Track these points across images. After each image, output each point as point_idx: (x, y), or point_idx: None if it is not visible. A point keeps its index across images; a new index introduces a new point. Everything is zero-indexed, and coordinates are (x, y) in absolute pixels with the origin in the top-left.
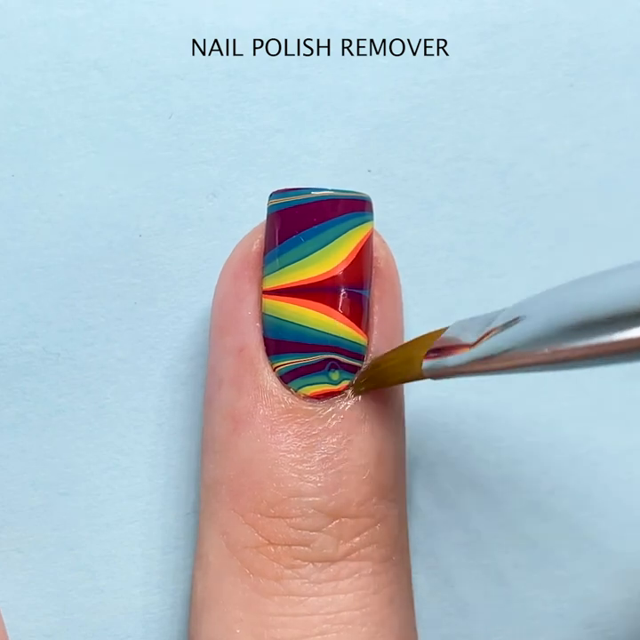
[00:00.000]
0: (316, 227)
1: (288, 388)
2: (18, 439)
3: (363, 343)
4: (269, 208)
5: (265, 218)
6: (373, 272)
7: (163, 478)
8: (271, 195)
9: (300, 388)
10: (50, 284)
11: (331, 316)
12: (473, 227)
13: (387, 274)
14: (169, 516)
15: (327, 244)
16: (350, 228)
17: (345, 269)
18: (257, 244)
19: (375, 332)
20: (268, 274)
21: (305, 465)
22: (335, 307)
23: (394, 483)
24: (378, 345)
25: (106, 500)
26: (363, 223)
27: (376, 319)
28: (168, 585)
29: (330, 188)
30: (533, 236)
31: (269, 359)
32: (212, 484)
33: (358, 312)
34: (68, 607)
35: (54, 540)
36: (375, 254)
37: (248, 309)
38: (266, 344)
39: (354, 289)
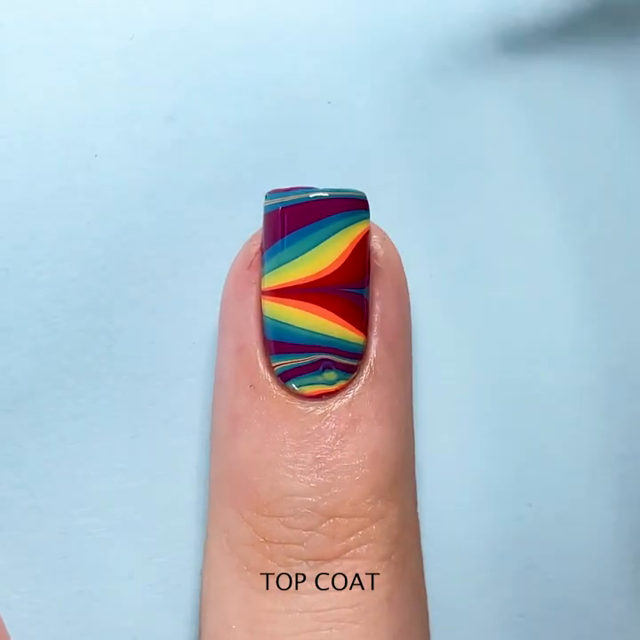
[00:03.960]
0: (309, 226)
1: (285, 388)
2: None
3: (359, 342)
4: (265, 208)
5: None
6: (374, 270)
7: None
8: (267, 195)
9: (297, 387)
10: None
11: (323, 317)
12: (431, 163)
13: (388, 272)
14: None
15: (320, 243)
16: (344, 227)
17: (338, 269)
18: (258, 244)
19: (374, 331)
20: (265, 274)
21: (298, 465)
22: (328, 307)
23: (392, 482)
24: (376, 343)
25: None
26: (357, 222)
27: (375, 318)
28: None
29: (326, 188)
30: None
31: (270, 359)
32: (216, 482)
33: (354, 311)
34: None
35: None
36: (374, 252)
37: (247, 309)
38: (265, 344)
39: (349, 288)
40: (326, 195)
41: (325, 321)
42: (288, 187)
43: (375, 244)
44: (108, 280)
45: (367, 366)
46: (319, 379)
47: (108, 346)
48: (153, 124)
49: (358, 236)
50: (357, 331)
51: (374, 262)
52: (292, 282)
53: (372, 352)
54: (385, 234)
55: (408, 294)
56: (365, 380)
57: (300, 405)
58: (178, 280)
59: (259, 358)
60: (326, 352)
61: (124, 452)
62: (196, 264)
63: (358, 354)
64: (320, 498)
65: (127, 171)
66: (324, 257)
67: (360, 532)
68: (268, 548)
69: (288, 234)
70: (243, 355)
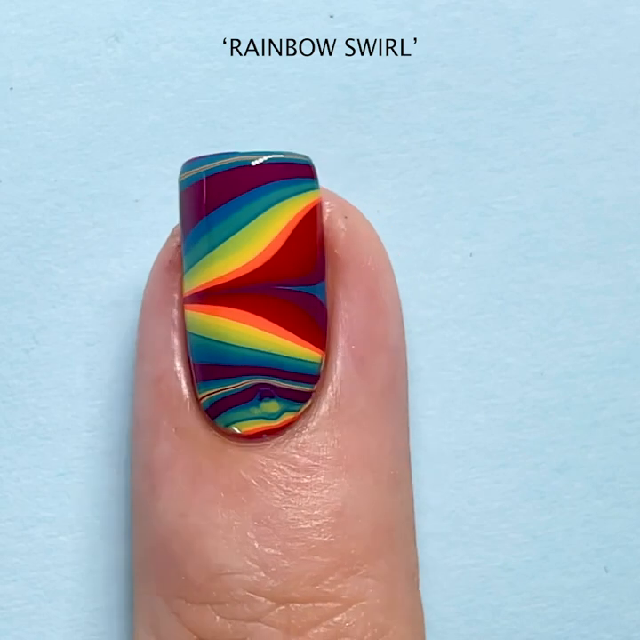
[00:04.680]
0: (232, 201)
1: (215, 428)
2: None
3: (313, 360)
4: (181, 184)
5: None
6: (335, 262)
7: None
8: (183, 166)
9: (228, 424)
10: None
11: (258, 327)
12: (471, 101)
13: (354, 261)
14: None
15: (246, 224)
16: (280, 200)
17: (273, 258)
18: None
19: (340, 343)
20: (185, 273)
21: (234, 531)
22: (260, 312)
23: (369, 550)
24: (341, 360)
25: None
26: (300, 193)
27: (339, 326)
28: None
29: (259, 151)
30: (553, 116)
31: (197, 387)
32: (138, 562)
33: (300, 316)
34: None
35: None
36: (333, 235)
37: (167, 325)
38: (192, 369)
39: (293, 285)
40: (260, 160)
41: (258, 331)
42: (207, 154)
43: (335, 223)
44: (26, 259)
45: (327, 392)
46: (256, 411)
47: (27, 350)
48: (94, 48)
49: (302, 210)
50: (308, 343)
51: (333, 251)
52: (216, 280)
53: (336, 372)
54: (353, 208)
55: (394, 291)
56: (325, 411)
57: (233, 449)
58: (123, 259)
59: (183, 389)
60: (262, 374)
61: (48, 499)
62: (148, 237)
63: (312, 376)
64: (264, 575)
65: (55, 109)
66: (252, 243)
67: (326, 623)
68: None
69: (207, 214)
70: (162, 386)
